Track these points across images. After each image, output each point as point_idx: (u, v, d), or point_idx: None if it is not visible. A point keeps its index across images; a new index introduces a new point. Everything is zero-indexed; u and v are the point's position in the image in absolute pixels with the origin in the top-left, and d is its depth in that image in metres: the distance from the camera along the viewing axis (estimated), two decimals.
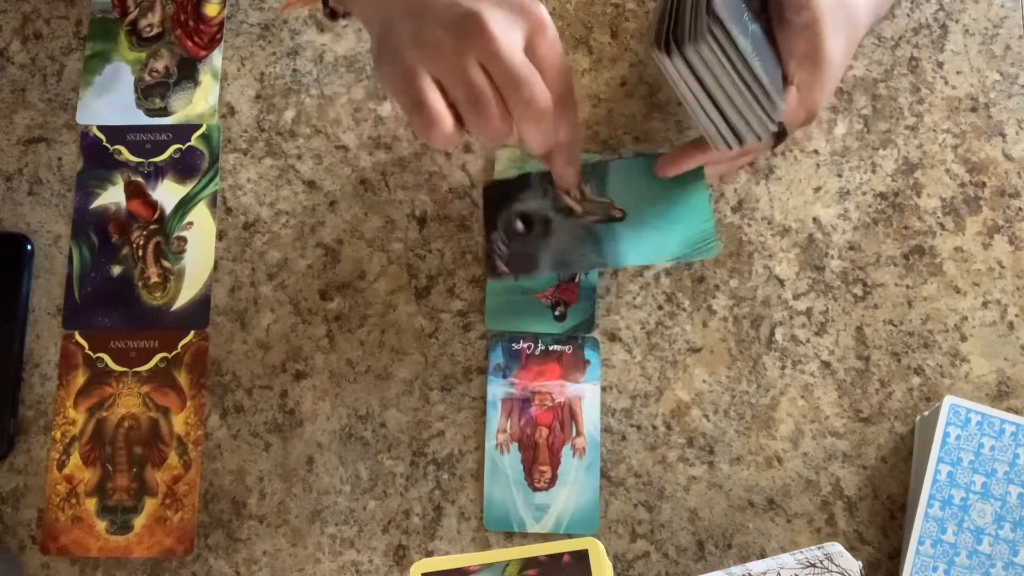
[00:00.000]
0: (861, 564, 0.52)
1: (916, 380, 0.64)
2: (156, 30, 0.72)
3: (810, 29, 0.55)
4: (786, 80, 0.57)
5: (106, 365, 0.66)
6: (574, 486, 0.63)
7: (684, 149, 0.62)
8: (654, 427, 0.64)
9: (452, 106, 0.53)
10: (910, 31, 0.70)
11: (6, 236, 0.68)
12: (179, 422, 0.65)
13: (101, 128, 0.70)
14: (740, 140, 0.57)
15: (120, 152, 0.69)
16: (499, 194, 0.64)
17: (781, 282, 0.66)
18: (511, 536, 0.63)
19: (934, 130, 0.68)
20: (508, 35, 0.51)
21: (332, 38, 0.71)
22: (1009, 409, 0.63)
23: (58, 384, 0.66)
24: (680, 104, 0.69)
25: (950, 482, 0.59)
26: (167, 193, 0.68)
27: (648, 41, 0.55)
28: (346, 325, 0.66)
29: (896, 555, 0.61)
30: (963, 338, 0.65)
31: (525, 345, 0.65)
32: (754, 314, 0.65)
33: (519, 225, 0.63)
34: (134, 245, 0.68)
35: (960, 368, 0.64)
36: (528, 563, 0.51)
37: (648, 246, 0.62)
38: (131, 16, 0.72)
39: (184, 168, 0.69)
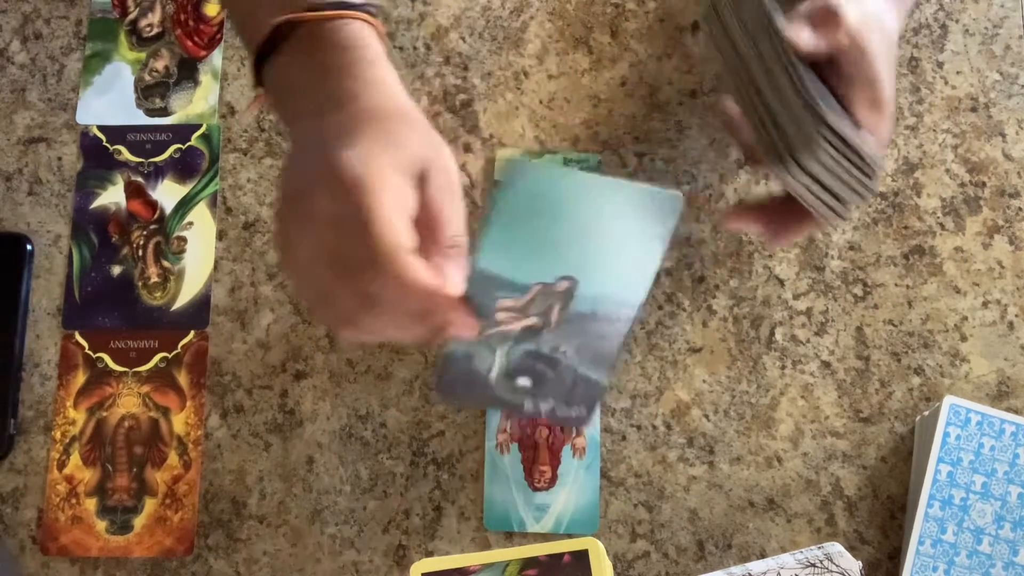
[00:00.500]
0: (861, 564, 0.52)
1: (916, 380, 0.64)
2: (156, 30, 0.72)
3: (873, 80, 0.56)
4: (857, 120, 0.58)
5: (106, 365, 0.66)
6: (574, 486, 0.63)
7: (755, 213, 0.60)
8: (654, 427, 0.64)
9: None
10: (910, 31, 0.69)
11: (6, 236, 0.68)
12: (179, 422, 0.65)
13: (101, 128, 0.70)
14: (847, 209, 0.57)
15: (120, 152, 0.69)
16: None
17: (781, 282, 0.66)
18: (511, 536, 0.63)
19: (934, 130, 0.68)
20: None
21: None
22: (1009, 409, 0.63)
23: (58, 384, 0.66)
24: (681, 104, 0.69)
25: (950, 482, 0.59)
26: (167, 193, 0.68)
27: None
28: None
29: (896, 555, 0.61)
30: (963, 338, 0.65)
31: None
32: (754, 314, 0.65)
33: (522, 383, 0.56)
34: (134, 245, 0.68)
35: (960, 368, 0.64)
36: (528, 563, 0.51)
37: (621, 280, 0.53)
38: (131, 16, 0.72)
39: (184, 168, 0.69)
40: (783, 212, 0.60)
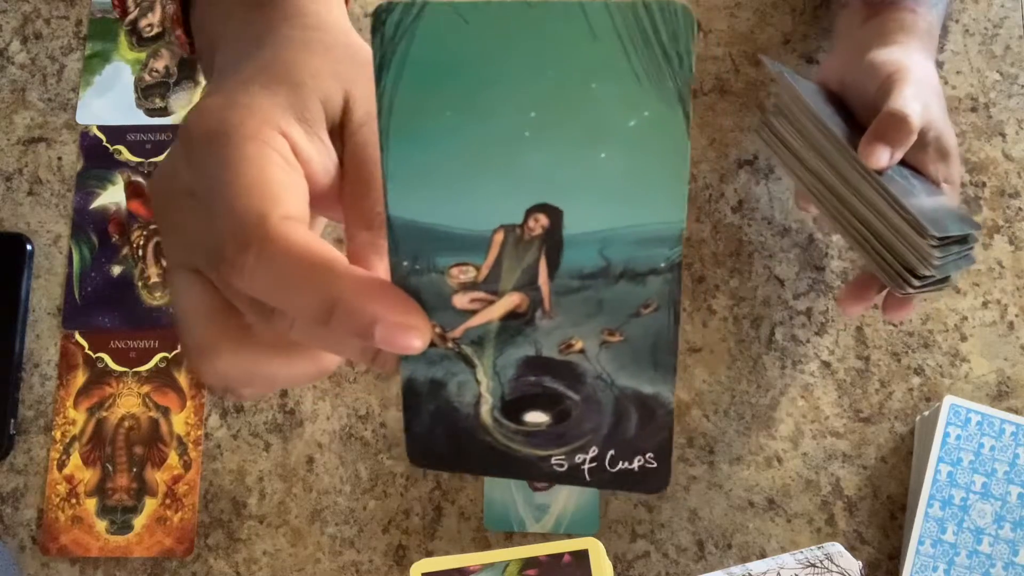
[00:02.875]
0: (861, 564, 0.52)
1: (916, 380, 0.64)
2: (156, 30, 0.72)
3: (938, 137, 0.57)
4: (927, 176, 0.58)
5: (106, 365, 0.66)
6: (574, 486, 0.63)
7: (867, 284, 0.59)
8: None
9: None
10: None
11: (6, 236, 0.68)
12: (179, 422, 0.65)
13: (101, 128, 0.70)
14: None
15: (120, 152, 0.69)
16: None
17: (781, 282, 0.66)
18: (511, 536, 0.63)
19: None
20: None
21: None
22: (1009, 409, 0.63)
23: (58, 384, 0.66)
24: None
25: (950, 482, 0.59)
26: None
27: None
28: None
29: (896, 555, 0.61)
30: (963, 338, 0.65)
31: None
32: (754, 314, 0.65)
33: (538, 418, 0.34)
34: (134, 245, 0.68)
35: (960, 368, 0.64)
36: (528, 563, 0.51)
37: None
38: (131, 16, 0.72)
39: None
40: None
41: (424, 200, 0.30)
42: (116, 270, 0.67)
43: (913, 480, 0.62)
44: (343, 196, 0.34)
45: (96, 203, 0.69)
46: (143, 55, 0.71)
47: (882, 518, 0.62)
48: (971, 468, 0.59)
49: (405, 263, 0.31)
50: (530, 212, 0.30)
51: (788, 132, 0.58)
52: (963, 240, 0.55)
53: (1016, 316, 0.65)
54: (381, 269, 0.32)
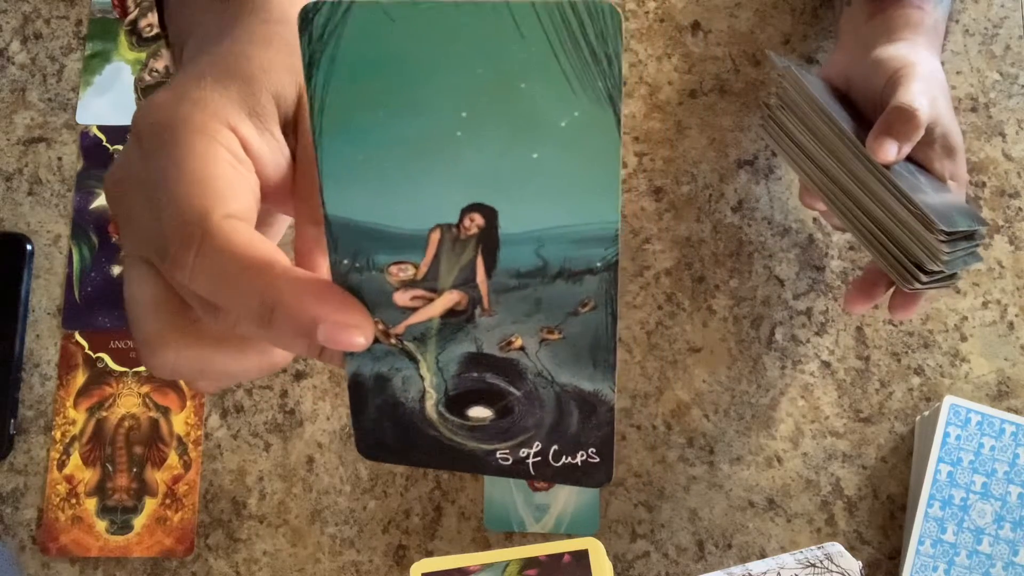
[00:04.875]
0: (861, 564, 0.52)
1: (916, 380, 0.64)
2: (156, 30, 0.72)
3: (944, 134, 0.57)
4: (933, 173, 0.58)
5: (106, 365, 0.66)
6: (574, 486, 0.63)
7: (874, 281, 0.58)
8: (654, 427, 0.64)
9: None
10: None
11: (6, 236, 0.68)
12: (179, 422, 0.65)
13: (101, 128, 0.70)
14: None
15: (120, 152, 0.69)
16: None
17: (781, 282, 0.66)
18: (511, 536, 0.63)
19: None
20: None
21: None
22: (1009, 409, 0.63)
23: (58, 384, 0.66)
24: (681, 104, 0.69)
25: (950, 482, 0.59)
26: None
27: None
28: None
29: (896, 555, 0.61)
30: (963, 338, 0.65)
31: None
32: (754, 314, 0.65)
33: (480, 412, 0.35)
34: None
35: (960, 368, 0.64)
36: (528, 563, 0.51)
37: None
38: (131, 16, 0.72)
39: None
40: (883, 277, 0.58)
41: (360, 199, 0.30)
42: (116, 270, 0.67)
43: (913, 480, 0.62)
44: (295, 191, 0.34)
45: (96, 203, 0.69)
46: (143, 55, 0.71)
47: (882, 518, 0.62)
48: (971, 468, 0.59)
49: (345, 261, 0.31)
50: (465, 211, 0.30)
51: (794, 126, 0.57)
52: (970, 236, 0.54)
53: (1016, 316, 0.65)
54: (327, 266, 0.32)
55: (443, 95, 0.28)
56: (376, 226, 0.30)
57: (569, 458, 0.35)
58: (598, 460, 0.35)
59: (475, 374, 0.33)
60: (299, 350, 0.32)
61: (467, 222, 0.30)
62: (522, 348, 0.33)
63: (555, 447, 0.34)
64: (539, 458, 0.35)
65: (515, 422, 0.34)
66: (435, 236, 0.30)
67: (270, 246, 0.30)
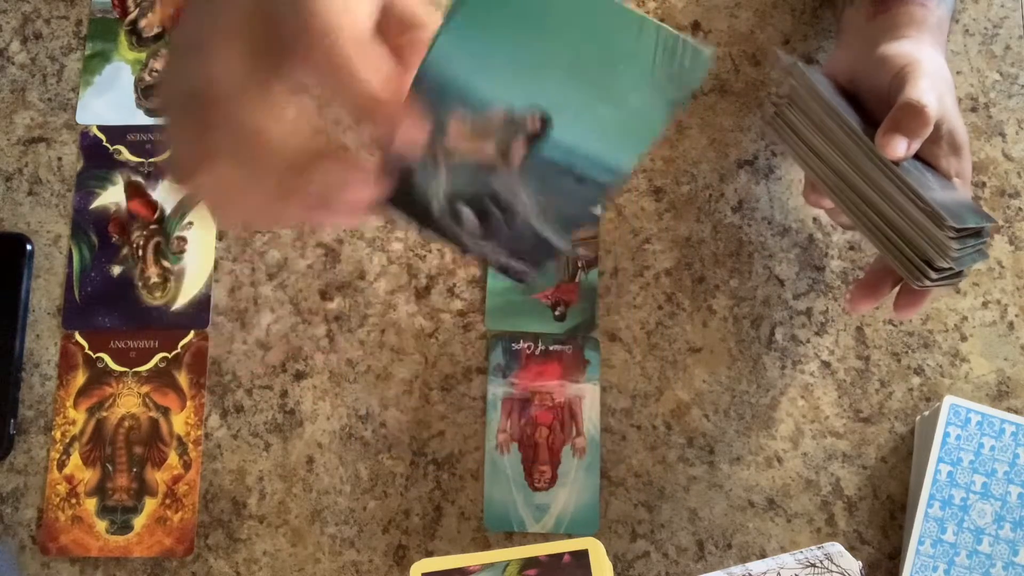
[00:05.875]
0: (861, 564, 0.52)
1: (916, 380, 0.64)
2: (156, 30, 0.72)
3: (951, 131, 0.56)
4: (939, 170, 0.58)
5: (106, 365, 0.66)
6: (574, 486, 0.63)
7: (878, 280, 0.58)
8: (654, 427, 0.64)
9: None
10: None
11: (6, 236, 0.68)
12: (179, 422, 0.65)
13: (101, 128, 0.70)
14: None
15: (120, 152, 0.69)
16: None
17: (781, 282, 0.66)
18: (511, 536, 0.63)
19: None
20: None
21: None
22: (1009, 409, 0.63)
23: (58, 384, 0.66)
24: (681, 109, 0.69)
25: (950, 482, 0.59)
26: (167, 193, 0.68)
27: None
28: (346, 325, 0.66)
29: (896, 555, 0.61)
30: (963, 338, 0.65)
31: (525, 345, 0.65)
32: (754, 314, 0.65)
33: (469, 217, 0.47)
34: (134, 245, 0.68)
35: (960, 368, 0.64)
36: (528, 563, 0.51)
37: (603, 119, 0.43)
38: (131, 16, 0.72)
39: None
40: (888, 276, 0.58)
41: (460, 63, 0.39)
42: (116, 270, 0.67)
43: (913, 480, 0.62)
44: (382, 23, 0.39)
45: (96, 203, 0.69)
46: (143, 55, 0.71)
47: (882, 518, 0.62)
48: (971, 468, 0.59)
49: (423, 95, 0.39)
50: (530, 108, 0.41)
51: (802, 123, 0.57)
52: (979, 233, 0.54)
53: (1016, 316, 0.65)
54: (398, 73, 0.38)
55: (558, 38, 0.38)
56: (459, 82, 0.39)
57: (510, 262, 0.48)
58: (529, 269, 0.49)
59: (478, 193, 0.44)
60: (378, 143, 0.40)
61: (528, 117, 0.41)
62: (524, 203, 0.44)
63: (508, 254, 0.47)
64: (493, 253, 0.47)
65: (489, 232, 0.46)
66: (499, 112, 0.41)
67: (379, 68, 0.38)
